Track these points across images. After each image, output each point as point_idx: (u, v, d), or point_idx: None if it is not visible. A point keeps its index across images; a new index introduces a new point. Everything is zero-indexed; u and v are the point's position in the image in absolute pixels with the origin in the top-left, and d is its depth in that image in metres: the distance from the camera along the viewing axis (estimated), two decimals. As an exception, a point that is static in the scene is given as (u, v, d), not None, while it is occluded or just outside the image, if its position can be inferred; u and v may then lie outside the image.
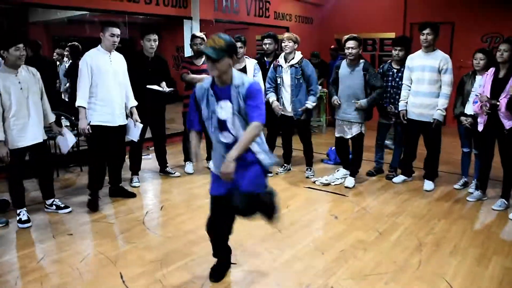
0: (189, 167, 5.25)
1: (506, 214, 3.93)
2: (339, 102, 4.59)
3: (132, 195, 4.39)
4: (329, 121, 7.79)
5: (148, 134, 4.81)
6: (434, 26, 4.31)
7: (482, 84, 4.04)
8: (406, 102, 4.55)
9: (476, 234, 3.57)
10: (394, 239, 3.43)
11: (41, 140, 3.73)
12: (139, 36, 4.55)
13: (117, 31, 3.89)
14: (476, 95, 4.03)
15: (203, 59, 4.87)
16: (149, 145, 5.83)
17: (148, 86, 4.48)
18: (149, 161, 5.61)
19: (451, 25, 8.27)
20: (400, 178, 4.90)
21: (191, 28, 6.86)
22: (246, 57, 4.96)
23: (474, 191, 4.41)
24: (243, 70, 4.73)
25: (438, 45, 4.48)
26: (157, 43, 4.50)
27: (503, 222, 3.81)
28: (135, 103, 4.22)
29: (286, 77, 4.78)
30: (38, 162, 3.81)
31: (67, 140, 4.09)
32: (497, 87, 3.85)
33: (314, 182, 4.86)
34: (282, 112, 4.89)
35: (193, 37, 5.10)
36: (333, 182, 4.81)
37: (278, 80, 4.85)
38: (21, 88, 3.53)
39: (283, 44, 4.75)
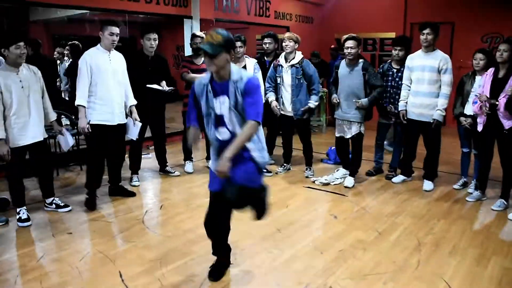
0: (188, 166, 5.25)
1: (505, 215, 3.93)
2: (338, 100, 4.60)
3: (132, 194, 4.39)
4: (329, 121, 7.79)
5: (148, 133, 4.82)
6: (434, 26, 4.31)
7: (481, 84, 4.04)
8: (406, 102, 4.56)
9: (475, 234, 3.57)
10: (393, 239, 3.43)
11: (41, 139, 3.74)
12: (139, 35, 4.55)
13: (116, 30, 3.89)
14: (476, 95, 4.03)
15: (203, 58, 4.87)
16: (149, 144, 5.83)
17: (148, 86, 4.49)
18: (149, 160, 5.62)
19: (451, 25, 8.27)
20: (399, 178, 4.90)
21: (191, 28, 6.87)
22: (246, 57, 4.97)
23: (474, 191, 4.41)
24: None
25: (438, 45, 4.48)
26: (157, 42, 4.50)
27: (502, 223, 3.82)
28: (134, 102, 4.22)
29: (287, 77, 4.78)
30: (38, 160, 3.82)
31: (68, 140, 4.10)
32: (497, 87, 3.85)
33: (313, 181, 4.86)
34: (282, 112, 4.90)
35: (193, 36, 5.11)
36: (332, 182, 4.82)
37: (278, 79, 4.85)
38: (22, 87, 3.53)
39: (284, 44, 4.75)
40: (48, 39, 8.85)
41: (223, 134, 2.50)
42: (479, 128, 4.03)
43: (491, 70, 3.99)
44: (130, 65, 4.24)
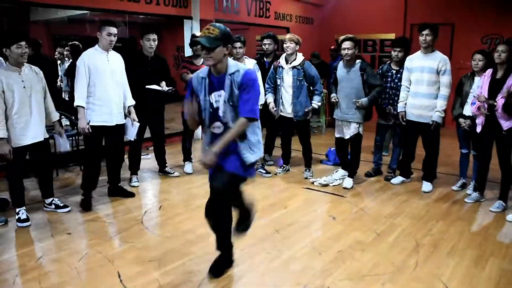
0: (188, 167, 5.26)
1: (504, 216, 3.93)
2: (337, 99, 4.60)
3: (131, 194, 4.39)
4: (328, 122, 7.80)
5: (148, 134, 4.83)
6: (433, 27, 4.32)
7: (480, 85, 4.05)
8: (405, 104, 4.56)
9: (474, 236, 3.58)
10: (391, 240, 3.44)
11: (42, 139, 3.74)
12: (139, 36, 4.56)
13: (114, 30, 3.90)
14: (474, 96, 4.04)
15: (202, 59, 4.88)
16: (149, 145, 5.84)
17: (147, 86, 4.49)
18: (148, 161, 5.62)
19: (451, 26, 8.27)
20: (398, 179, 4.90)
21: (192, 28, 6.87)
22: (245, 57, 4.97)
23: (472, 192, 4.42)
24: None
25: (438, 46, 4.49)
26: (156, 42, 4.51)
27: (501, 224, 3.82)
28: (133, 102, 4.22)
29: (288, 78, 4.78)
30: (38, 161, 3.83)
31: (66, 145, 4.10)
32: (495, 87, 3.86)
33: (312, 182, 4.87)
34: (281, 113, 4.91)
35: (193, 37, 5.11)
36: (331, 183, 4.82)
37: (278, 81, 4.85)
38: (24, 87, 3.54)
39: (284, 45, 4.75)
40: (49, 40, 8.88)
41: (217, 128, 2.54)
42: (478, 129, 4.04)
43: (489, 71, 4.00)
44: (130, 66, 4.25)
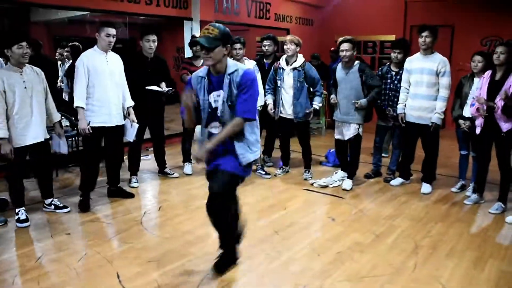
0: (187, 168, 5.26)
1: (503, 218, 3.94)
2: (336, 100, 4.61)
3: (131, 195, 4.40)
4: (328, 123, 7.81)
5: (147, 135, 4.83)
6: (433, 29, 4.33)
7: (479, 86, 4.06)
8: (405, 105, 4.57)
9: (473, 237, 3.58)
10: (390, 242, 3.44)
11: (43, 139, 3.75)
12: (139, 37, 4.57)
13: (112, 31, 3.90)
14: (473, 98, 4.05)
15: (202, 60, 4.88)
16: (148, 145, 5.84)
17: (147, 87, 4.49)
18: (148, 161, 5.62)
19: (451, 28, 8.29)
20: (397, 180, 4.91)
21: (192, 29, 6.88)
22: (245, 59, 4.98)
23: (471, 194, 4.42)
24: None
25: (438, 48, 4.49)
26: (156, 43, 4.51)
27: (500, 226, 3.82)
28: (132, 103, 4.23)
29: (288, 80, 4.79)
30: (38, 161, 3.83)
31: (64, 145, 4.10)
32: (494, 89, 3.86)
33: (312, 184, 4.87)
34: (281, 115, 4.91)
35: (193, 37, 5.11)
36: (331, 184, 4.83)
37: (279, 82, 4.85)
38: (25, 87, 3.55)
39: (285, 47, 4.75)
40: (49, 40, 8.88)
41: (214, 128, 2.55)
42: (477, 130, 4.04)
43: (488, 73, 4.00)
44: (130, 67, 4.26)
